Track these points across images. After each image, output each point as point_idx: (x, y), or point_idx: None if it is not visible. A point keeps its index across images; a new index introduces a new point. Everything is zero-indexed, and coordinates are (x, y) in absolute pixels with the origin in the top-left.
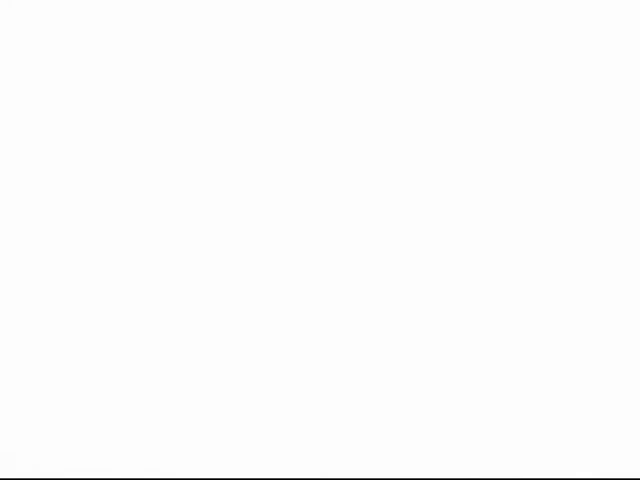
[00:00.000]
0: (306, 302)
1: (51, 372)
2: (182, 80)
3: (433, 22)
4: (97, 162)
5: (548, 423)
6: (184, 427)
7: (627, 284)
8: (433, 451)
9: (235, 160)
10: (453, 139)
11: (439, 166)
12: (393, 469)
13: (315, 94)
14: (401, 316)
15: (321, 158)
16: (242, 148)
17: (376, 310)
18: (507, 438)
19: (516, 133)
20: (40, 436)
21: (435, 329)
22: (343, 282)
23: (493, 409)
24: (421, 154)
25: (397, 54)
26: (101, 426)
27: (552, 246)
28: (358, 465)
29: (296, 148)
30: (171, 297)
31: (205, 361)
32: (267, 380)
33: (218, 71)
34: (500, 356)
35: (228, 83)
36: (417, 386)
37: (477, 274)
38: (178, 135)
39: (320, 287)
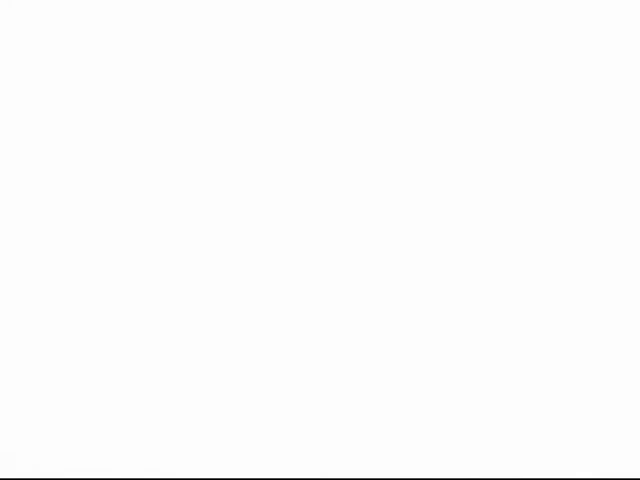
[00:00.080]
0: (306, 302)
1: (51, 372)
2: (182, 80)
3: (433, 22)
4: (97, 162)
5: (548, 423)
6: (184, 427)
7: (627, 284)
8: (433, 451)
9: (235, 160)
10: (453, 139)
11: (439, 166)
12: (393, 469)
13: (315, 94)
14: (401, 316)
15: (321, 158)
16: (242, 148)
17: (376, 310)
18: (507, 438)
19: (516, 133)
20: (40, 436)
21: (435, 329)
22: (343, 282)
23: (493, 409)
24: (421, 154)
25: (397, 54)
26: (101, 426)
27: (552, 246)
28: (358, 465)
29: (296, 148)
30: (171, 297)
31: (205, 361)
32: (267, 380)
33: (218, 71)
34: (500, 356)
35: (228, 83)
36: (417, 386)
37: (477, 274)
38: (178, 135)
39: (320, 287)
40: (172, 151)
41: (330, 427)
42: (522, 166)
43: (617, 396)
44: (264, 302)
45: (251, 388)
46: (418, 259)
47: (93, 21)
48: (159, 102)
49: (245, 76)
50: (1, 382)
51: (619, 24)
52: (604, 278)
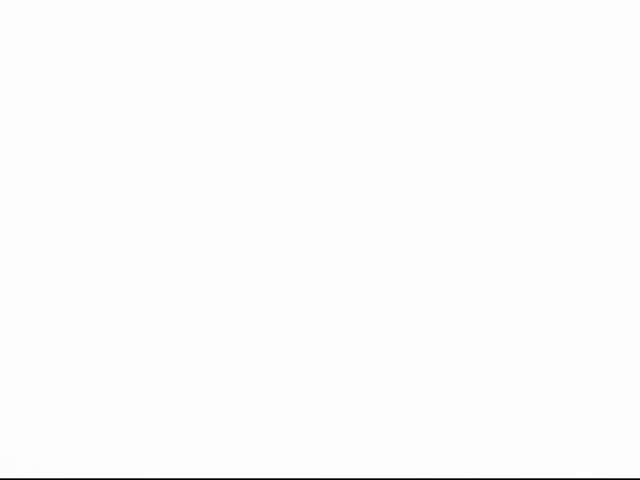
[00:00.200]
0: (306, 302)
1: (51, 372)
2: (182, 80)
3: (433, 22)
4: (97, 161)
5: (548, 423)
6: (184, 427)
7: (627, 284)
8: (433, 451)
9: (235, 159)
10: (453, 139)
11: (439, 166)
12: (393, 469)
13: (315, 94)
14: (401, 316)
15: (321, 158)
16: (242, 148)
17: (376, 310)
18: (507, 438)
19: (516, 133)
20: (40, 436)
21: (435, 329)
22: (343, 282)
23: (493, 409)
24: (421, 154)
25: (397, 54)
26: (101, 426)
27: (552, 245)
28: (358, 465)
29: (296, 148)
30: (171, 297)
31: (205, 361)
32: (267, 380)
33: (218, 71)
34: (500, 356)
35: (228, 83)
36: (417, 386)
37: (477, 273)
38: (178, 135)
39: (320, 287)
40: (172, 150)
41: (330, 427)
42: (522, 166)
43: (617, 396)
44: (264, 302)
45: (251, 388)
46: (418, 259)
47: (93, 21)
48: (159, 102)
49: (245, 76)
50: (1, 382)
51: (619, 24)
52: (604, 278)
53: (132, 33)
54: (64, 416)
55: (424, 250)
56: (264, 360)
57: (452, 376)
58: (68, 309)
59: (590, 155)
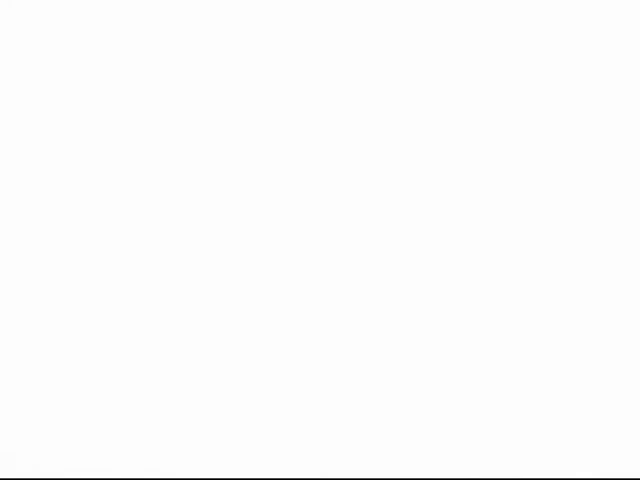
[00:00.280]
0: (306, 302)
1: (51, 372)
2: (182, 80)
3: (433, 22)
4: (97, 162)
5: (548, 423)
6: (184, 427)
7: (627, 284)
8: (433, 451)
9: (235, 160)
10: (453, 139)
11: (439, 166)
12: (393, 469)
13: (315, 94)
14: (401, 316)
15: (321, 158)
16: (242, 148)
17: (376, 310)
18: (507, 438)
19: (516, 133)
20: (40, 436)
21: (435, 329)
22: (343, 282)
23: (493, 409)
24: (421, 154)
25: (397, 54)
26: (101, 426)
27: (552, 246)
28: (358, 465)
29: (296, 148)
30: (171, 296)
31: (205, 361)
32: (267, 380)
33: (218, 71)
34: (500, 356)
35: (228, 83)
36: (417, 386)
37: (477, 273)
38: (178, 135)
39: (320, 287)
40: (172, 150)
41: (330, 427)
42: (522, 165)
43: (617, 396)
44: (264, 302)
45: (251, 388)
46: (418, 259)
47: (93, 21)
48: (159, 102)
49: (245, 76)
50: (1, 382)
51: (619, 24)
52: (604, 278)
53: (132, 33)
54: (64, 416)
55: (424, 250)
56: (264, 360)
57: (452, 376)
58: (68, 309)
59: (590, 155)
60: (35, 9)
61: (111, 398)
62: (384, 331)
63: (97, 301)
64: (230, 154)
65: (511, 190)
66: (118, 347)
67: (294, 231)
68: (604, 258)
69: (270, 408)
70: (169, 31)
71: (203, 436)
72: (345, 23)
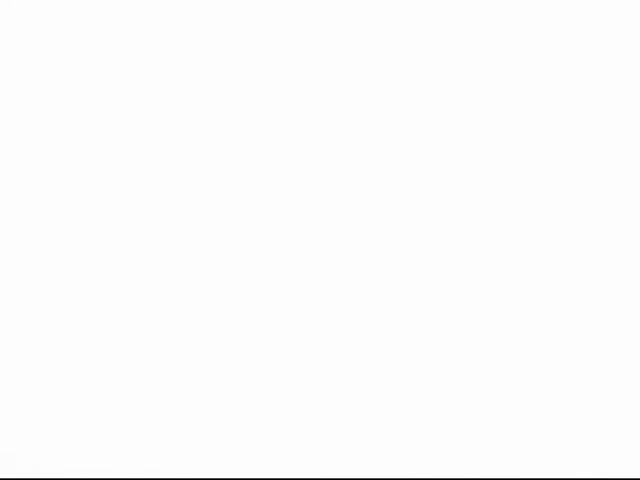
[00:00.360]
0: (306, 302)
1: (51, 372)
2: (182, 80)
3: (433, 22)
4: (97, 162)
5: (548, 423)
6: (184, 427)
7: (627, 284)
8: (433, 451)
9: (235, 160)
10: (453, 139)
11: (439, 166)
12: (393, 469)
13: (315, 94)
14: (401, 316)
15: (321, 158)
16: (242, 148)
17: (376, 310)
18: (507, 438)
19: (516, 133)
20: (40, 436)
21: (435, 329)
22: (343, 282)
23: (493, 409)
24: (421, 154)
25: (397, 54)
26: (101, 426)
27: (552, 246)
28: (358, 465)
29: (296, 148)
30: (171, 297)
31: (205, 361)
32: (267, 380)
33: (218, 71)
34: (500, 356)
35: (228, 83)
36: (417, 386)
37: (477, 274)
38: (178, 135)
39: (320, 287)
40: (172, 150)
41: (330, 427)
42: (522, 165)
43: (617, 396)
44: (264, 301)
45: (251, 388)
46: (418, 258)
47: (93, 21)
48: (159, 102)
49: (245, 76)
50: (1, 382)
51: (619, 24)
52: (604, 278)
53: (132, 33)
54: (64, 416)
55: (424, 249)
56: (264, 360)
57: (452, 376)
58: (68, 309)
59: (590, 154)
60: (35, 9)
61: (111, 398)
62: (384, 331)
63: (97, 301)
64: (230, 154)
65: (511, 190)
66: (118, 347)
67: (294, 231)
68: (604, 258)
69: (270, 408)
70: (169, 31)
71: (203, 436)
72: (345, 23)
